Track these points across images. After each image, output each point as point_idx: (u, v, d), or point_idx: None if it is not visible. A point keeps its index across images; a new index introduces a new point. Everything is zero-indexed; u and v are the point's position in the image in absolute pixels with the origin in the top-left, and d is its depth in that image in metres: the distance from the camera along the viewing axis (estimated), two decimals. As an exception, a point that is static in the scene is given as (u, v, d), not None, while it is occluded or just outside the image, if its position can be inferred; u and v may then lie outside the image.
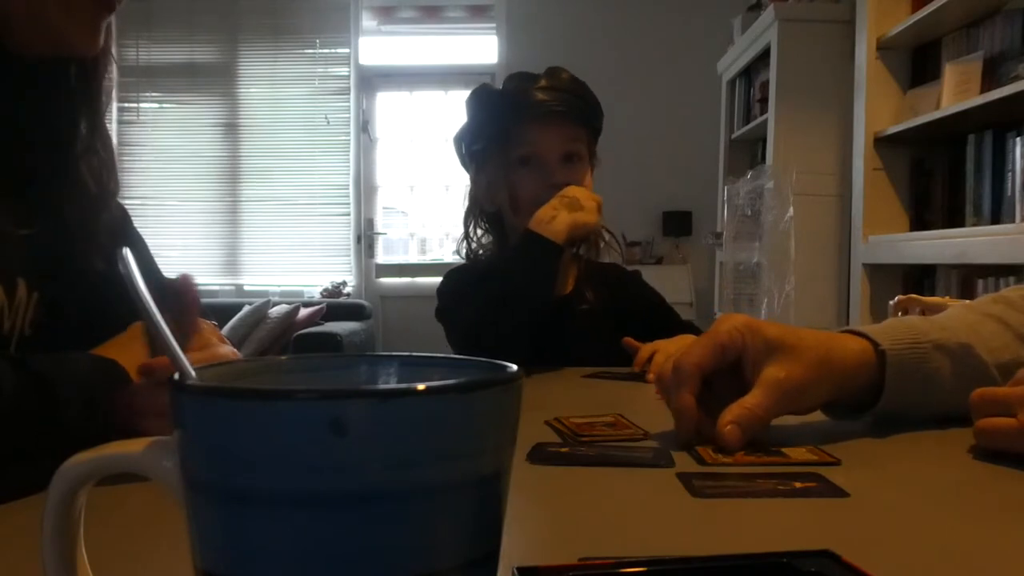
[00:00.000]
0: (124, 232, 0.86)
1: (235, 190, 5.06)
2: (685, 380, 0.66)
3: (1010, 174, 2.34)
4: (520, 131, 1.28)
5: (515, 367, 0.28)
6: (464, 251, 1.39)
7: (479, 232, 1.39)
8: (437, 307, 1.34)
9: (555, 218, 1.18)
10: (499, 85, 1.36)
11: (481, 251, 1.39)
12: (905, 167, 2.91)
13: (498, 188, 1.31)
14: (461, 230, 1.40)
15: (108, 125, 0.82)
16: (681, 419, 0.66)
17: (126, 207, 0.90)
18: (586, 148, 1.33)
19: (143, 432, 0.63)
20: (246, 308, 4.36)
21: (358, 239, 5.05)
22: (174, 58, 5.02)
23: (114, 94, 0.80)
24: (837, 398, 0.71)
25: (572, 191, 1.23)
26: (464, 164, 1.40)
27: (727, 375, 0.68)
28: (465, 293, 1.30)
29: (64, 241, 0.76)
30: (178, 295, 0.69)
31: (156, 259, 0.90)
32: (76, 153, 0.78)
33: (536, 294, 1.19)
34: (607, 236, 1.39)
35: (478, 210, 1.38)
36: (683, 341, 1.23)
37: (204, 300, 0.76)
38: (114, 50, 0.79)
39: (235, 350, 0.76)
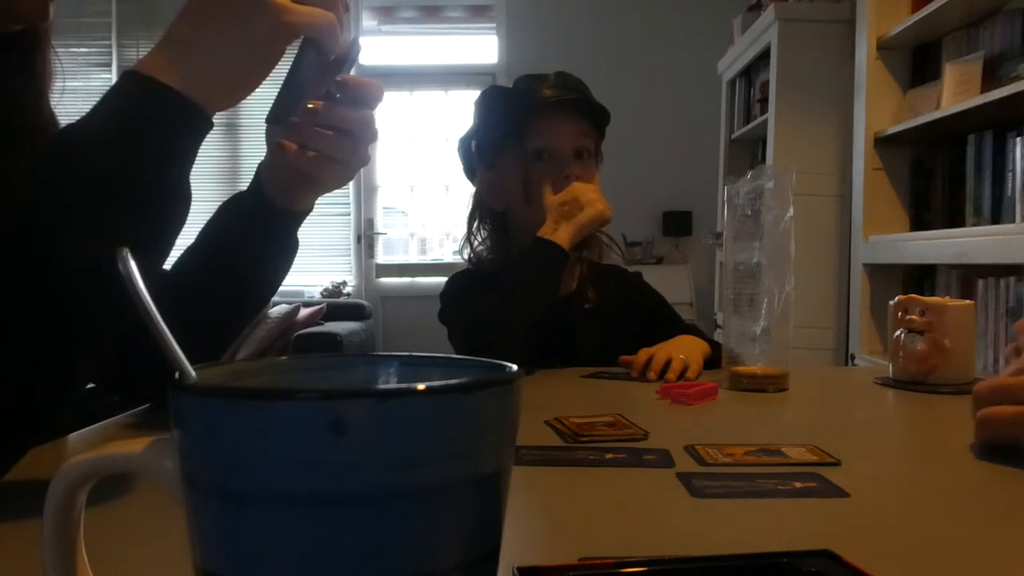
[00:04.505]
0: None
1: (235, 190, 5.03)
2: None
3: (1010, 174, 2.34)
4: (534, 125, 1.31)
5: (515, 367, 0.28)
6: (467, 254, 1.40)
7: (483, 234, 1.40)
8: (440, 309, 1.35)
9: (557, 230, 1.23)
10: (503, 85, 1.40)
11: (485, 253, 1.39)
12: (905, 167, 2.91)
13: (511, 182, 1.33)
14: (462, 231, 1.43)
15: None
16: None
17: None
18: (595, 146, 1.36)
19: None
20: (246, 308, 4.34)
21: (358, 239, 5.05)
22: (174, 58, 5.01)
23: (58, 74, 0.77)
24: None
25: (576, 188, 1.26)
26: (470, 165, 1.41)
27: None
28: (468, 296, 1.31)
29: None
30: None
31: None
32: (29, 131, 0.75)
33: (540, 296, 1.21)
34: (605, 239, 1.42)
35: (483, 211, 1.40)
36: (684, 342, 1.23)
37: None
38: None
39: None
